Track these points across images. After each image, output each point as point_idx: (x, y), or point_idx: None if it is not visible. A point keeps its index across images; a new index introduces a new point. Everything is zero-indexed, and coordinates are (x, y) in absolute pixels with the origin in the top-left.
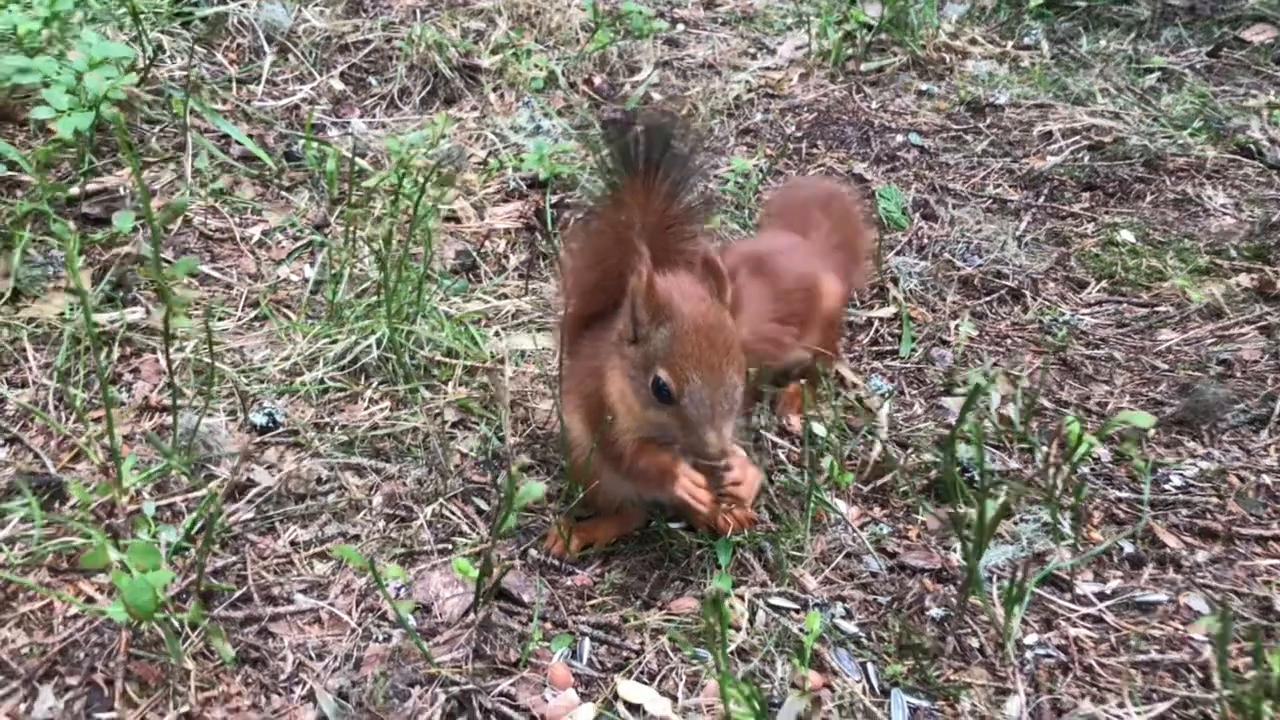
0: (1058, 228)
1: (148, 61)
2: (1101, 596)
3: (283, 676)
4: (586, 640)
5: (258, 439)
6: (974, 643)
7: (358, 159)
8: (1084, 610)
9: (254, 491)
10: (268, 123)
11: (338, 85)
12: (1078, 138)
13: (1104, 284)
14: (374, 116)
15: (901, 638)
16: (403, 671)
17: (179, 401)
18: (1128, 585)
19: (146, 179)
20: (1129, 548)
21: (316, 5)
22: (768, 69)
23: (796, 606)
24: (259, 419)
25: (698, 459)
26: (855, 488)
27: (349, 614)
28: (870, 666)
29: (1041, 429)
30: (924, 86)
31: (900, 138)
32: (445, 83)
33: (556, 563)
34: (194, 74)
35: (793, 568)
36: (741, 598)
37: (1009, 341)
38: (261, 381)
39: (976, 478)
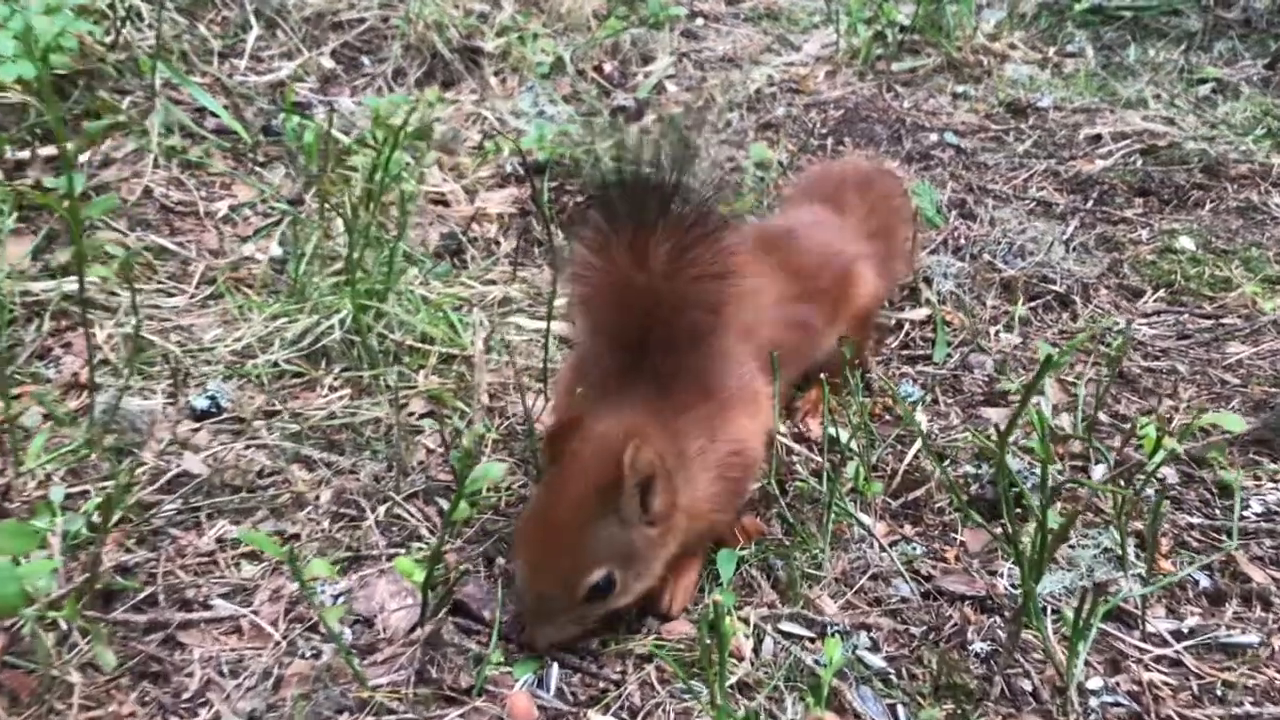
0: (1108, 233)
1: (120, 22)
2: (1178, 635)
3: (186, 695)
4: (556, 666)
5: (195, 424)
6: (1025, 685)
7: (342, 136)
8: (1157, 651)
9: (182, 481)
10: (248, 97)
11: (328, 63)
12: (1129, 141)
13: (1162, 293)
14: (365, 96)
15: (939, 676)
16: (329, 695)
17: (109, 380)
18: (1208, 623)
19: (109, 148)
20: (1204, 580)
21: None
22: (791, 64)
23: (811, 634)
24: (200, 402)
25: None
26: (884, 501)
27: (274, 624)
28: (901, 710)
29: (1100, 444)
30: (960, 89)
31: (934, 136)
32: (444, 64)
33: None
34: (162, 32)
35: (808, 588)
36: (745, 621)
37: (1056, 350)
38: (209, 363)
39: (1028, 491)
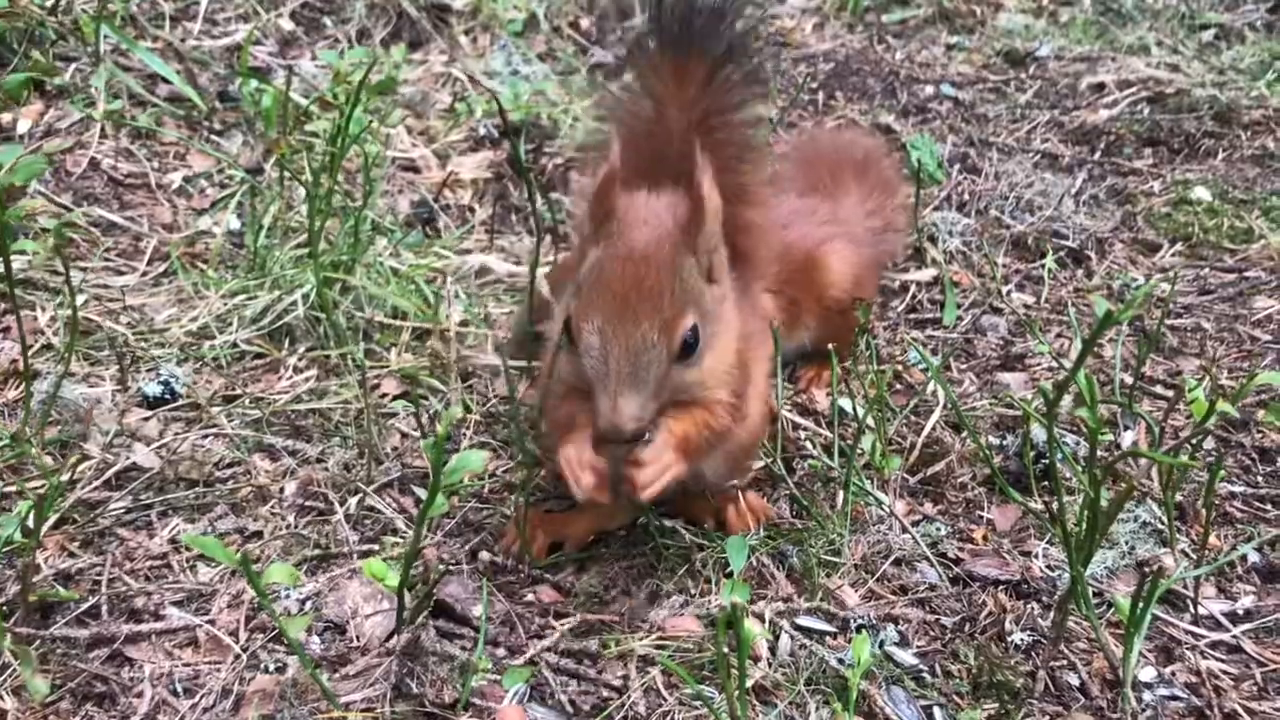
0: (1119, 185)
1: None
2: (1233, 618)
3: (135, 719)
4: (552, 673)
5: (147, 413)
6: (1072, 679)
7: (301, 100)
8: (1213, 636)
9: (132, 475)
10: (202, 62)
11: (287, 25)
12: (1134, 89)
13: (1180, 246)
14: (326, 66)
15: (979, 673)
16: (295, 714)
17: (51, 367)
18: (1264, 604)
19: (51, 118)
20: (1254, 556)
21: None
22: (776, 17)
23: (833, 629)
24: (152, 389)
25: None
26: (900, 478)
27: (233, 634)
28: (938, 712)
29: (1128, 410)
30: (953, 40)
31: (930, 89)
32: (410, 23)
33: (516, 568)
34: None
35: (825, 577)
36: (760, 617)
37: (1072, 310)
38: (162, 345)
39: (1070, 461)
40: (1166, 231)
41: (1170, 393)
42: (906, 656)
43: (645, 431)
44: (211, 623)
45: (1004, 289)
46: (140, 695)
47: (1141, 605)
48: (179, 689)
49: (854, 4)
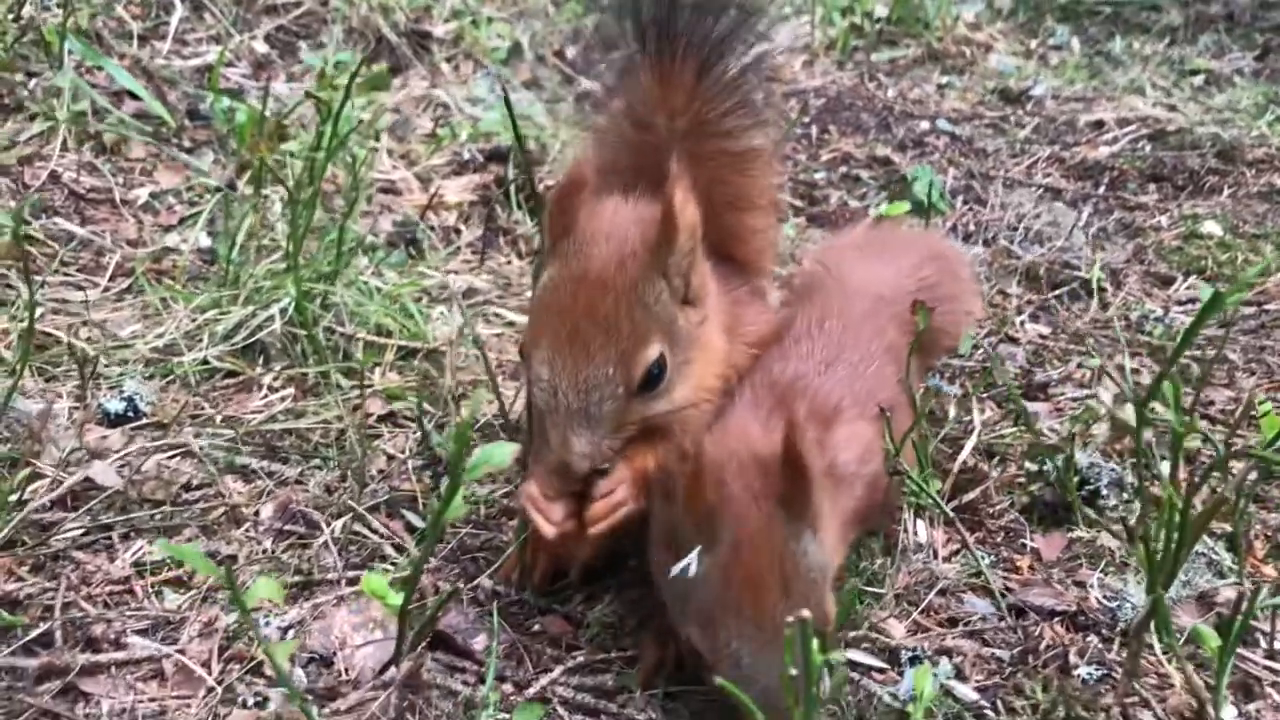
0: (1126, 219)
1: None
2: None
3: None
4: (566, 711)
5: (107, 431)
6: (1145, 717)
7: (276, 118)
8: None
9: (90, 494)
10: (171, 81)
11: (260, 48)
12: (1134, 127)
13: (1194, 279)
14: (302, 83)
15: (1051, 708)
16: None
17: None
18: None
19: (11, 130)
20: None
21: None
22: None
23: (882, 663)
24: (114, 405)
25: None
26: (934, 505)
27: (205, 665)
28: None
29: (1158, 441)
30: (944, 80)
31: (925, 124)
32: (390, 49)
33: (520, 597)
34: (73, 5)
35: (866, 607)
36: None
37: (1091, 341)
38: (125, 361)
39: (1104, 491)
40: (1179, 265)
41: (1208, 422)
42: (966, 691)
43: (603, 467)
44: (181, 653)
45: (1017, 319)
46: None
47: (1233, 637)
48: None
49: (843, 43)
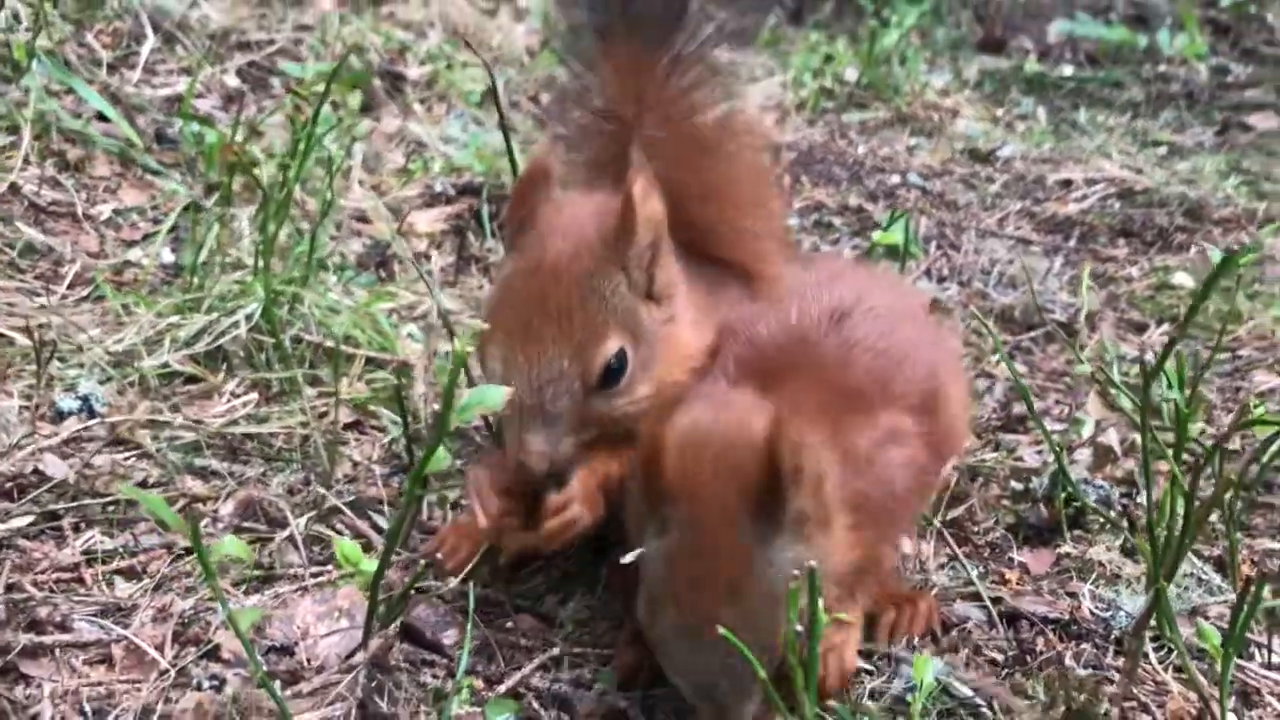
0: (1098, 269)
1: None
2: None
3: None
4: (542, 708)
5: (58, 427)
6: None
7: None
8: None
9: (39, 484)
10: (140, 108)
11: (232, 81)
12: (1101, 186)
13: (1166, 326)
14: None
15: (1050, 706)
16: None
17: None
18: None
19: None
20: None
21: None
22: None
23: (869, 666)
24: (68, 404)
25: None
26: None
27: (158, 648)
28: None
29: (1140, 471)
30: (913, 141)
31: (896, 178)
32: (365, 88)
33: (490, 594)
34: (42, 22)
35: None
36: None
37: (1066, 380)
38: (81, 366)
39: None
40: (1151, 313)
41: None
42: (962, 689)
43: (564, 468)
44: (136, 635)
45: (993, 357)
46: (37, 717)
47: (1237, 637)
48: (87, 709)
49: (813, 103)
